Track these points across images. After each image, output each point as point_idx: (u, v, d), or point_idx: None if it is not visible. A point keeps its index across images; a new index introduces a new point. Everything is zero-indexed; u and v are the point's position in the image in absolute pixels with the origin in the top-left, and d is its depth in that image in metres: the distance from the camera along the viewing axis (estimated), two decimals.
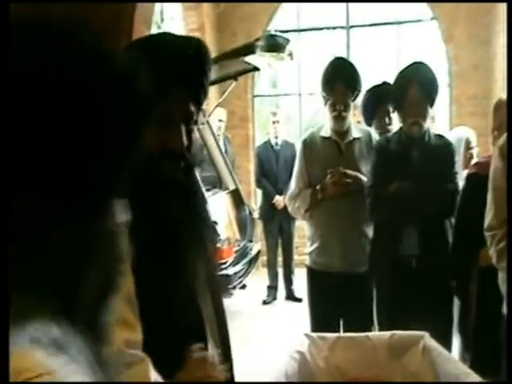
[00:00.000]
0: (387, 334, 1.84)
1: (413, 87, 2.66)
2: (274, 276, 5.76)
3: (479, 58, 6.17)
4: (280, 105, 7.96)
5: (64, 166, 0.56)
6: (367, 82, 3.26)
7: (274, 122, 5.97)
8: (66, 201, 0.58)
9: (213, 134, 5.80)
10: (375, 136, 3.03)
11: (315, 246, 2.95)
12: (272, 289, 5.74)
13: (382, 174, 2.77)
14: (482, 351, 1.63)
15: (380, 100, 3.31)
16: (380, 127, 3.31)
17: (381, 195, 2.74)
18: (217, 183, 5.98)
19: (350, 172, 2.85)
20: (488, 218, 2.03)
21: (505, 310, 2.01)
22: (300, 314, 3.85)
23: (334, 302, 2.88)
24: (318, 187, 2.88)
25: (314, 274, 2.99)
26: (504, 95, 2.56)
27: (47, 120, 0.55)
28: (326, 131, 2.96)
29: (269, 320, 5.12)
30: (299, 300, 5.38)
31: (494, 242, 1.98)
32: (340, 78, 2.84)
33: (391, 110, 3.30)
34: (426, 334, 1.77)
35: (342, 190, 2.82)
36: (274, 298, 5.72)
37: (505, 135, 2.07)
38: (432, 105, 2.76)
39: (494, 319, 2.10)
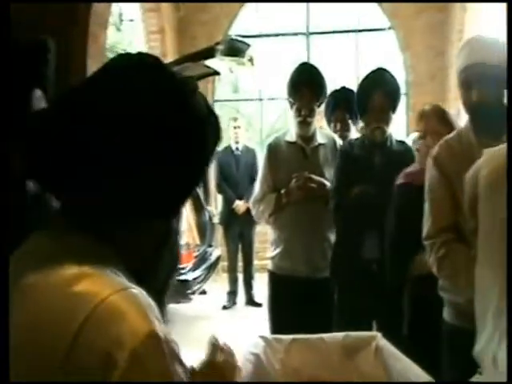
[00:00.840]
0: (341, 335, 1.85)
1: (377, 93, 2.72)
2: (234, 281, 5.75)
3: (435, 68, 6.34)
4: (241, 110, 7.99)
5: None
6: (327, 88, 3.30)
7: (234, 128, 5.99)
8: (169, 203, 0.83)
9: None
10: (339, 142, 3.06)
11: (279, 250, 2.95)
12: (232, 294, 5.73)
13: (346, 178, 2.81)
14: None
15: (337, 105, 3.36)
16: (336, 131, 3.35)
17: (344, 199, 2.78)
18: None
19: (314, 177, 2.87)
20: (426, 227, 2.03)
21: (445, 315, 2.06)
22: (260, 318, 3.85)
23: (295, 307, 2.89)
24: (282, 191, 2.88)
25: (276, 279, 2.99)
26: (458, 105, 2.61)
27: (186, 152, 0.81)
28: (291, 136, 2.97)
29: (228, 325, 5.09)
30: (259, 305, 5.39)
31: (433, 251, 1.98)
32: (306, 84, 2.88)
33: (348, 115, 3.36)
34: (379, 335, 1.78)
35: (306, 194, 2.83)
36: (234, 303, 5.71)
37: (438, 145, 2.09)
38: (394, 111, 2.82)
39: (427, 326, 2.17)
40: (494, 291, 1.11)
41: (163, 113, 0.77)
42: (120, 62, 0.82)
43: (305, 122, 2.89)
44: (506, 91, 1.97)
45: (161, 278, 0.85)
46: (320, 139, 2.98)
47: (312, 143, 2.95)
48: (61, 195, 0.81)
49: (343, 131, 3.33)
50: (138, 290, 0.73)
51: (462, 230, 1.95)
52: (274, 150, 3.01)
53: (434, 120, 2.47)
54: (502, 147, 1.21)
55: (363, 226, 2.72)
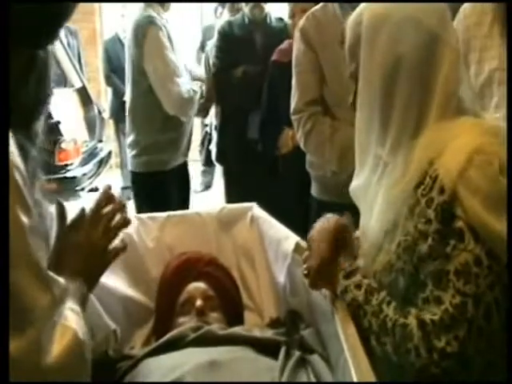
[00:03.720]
0: (217, 208, 1.79)
1: None
2: (127, 176, 5.55)
3: None
4: None
5: None
6: None
7: (122, 15, 5.58)
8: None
9: None
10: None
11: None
12: (126, 189, 5.56)
13: (227, 58, 2.76)
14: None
15: None
16: (232, 10, 3.25)
17: (227, 81, 2.74)
18: (61, 81, 5.51)
19: None
20: (293, 102, 2.02)
21: (313, 190, 2.11)
22: None
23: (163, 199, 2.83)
24: None
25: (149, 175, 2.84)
26: None
27: None
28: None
29: None
30: None
31: (300, 125, 1.98)
32: None
33: None
34: (254, 205, 1.73)
35: None
36: (129, 199, 5.56)
37: (304, 16, 2.05)
38: None
39: (299, 196, 2.24)
40: (373, 134, 1.10)
41: None
42: None
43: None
44: None
45: (27, 104, 0.88)
46: None
47: None
48: None
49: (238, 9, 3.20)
50: None
51: (327, 103, 1.98)
52: None
53: None
54: None
55: (247, 106, 2.70)
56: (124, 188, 5.54)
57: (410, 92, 1.05)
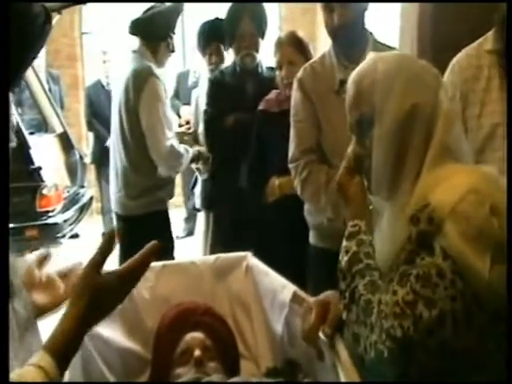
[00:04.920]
0: (212, 257, 1.82)
1: (244, 20, 2.72)
2: (108, 222, 5.52)
3: (306, 4, 6.37)
4: (112, 43, 7.49)
5: None
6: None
7: (104, 62, 5.66)
8: None
9: (35, 72, 5.31)
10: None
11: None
12: None
13: (219, 106, 2.79)
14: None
15: (210, 36, 3.24)
16: (211, 63, 3.28)
17: (219, 129, 2.76)
18: (42, 127, 5.53)
19: None
20: (291, 151, 2.07)
21: (310, 238, 2.14)
22: None
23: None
24: None
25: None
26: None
27: None
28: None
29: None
30: None
31: (297, 173, 2.02)
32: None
33: (222, 46, 3.26)
34: (249, 254, 1.77)
35: None
36: None
37: (302, 68, 2.12)
38: (263, 37, 2.84)
39: (289, 244, 2.31)
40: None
41: None
42: None
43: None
44: (365, 12, 2.02)
45: None
46: None
47: None
48: None
49: (218, 63, 3.24)
50: None
51: (324, 151, 2.02)
52: None
53: (289, 49, 2.48)
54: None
55: (238, 154, 2.70)
56: (104, 234, 5.52)
57: (421, 140, 1.12)
